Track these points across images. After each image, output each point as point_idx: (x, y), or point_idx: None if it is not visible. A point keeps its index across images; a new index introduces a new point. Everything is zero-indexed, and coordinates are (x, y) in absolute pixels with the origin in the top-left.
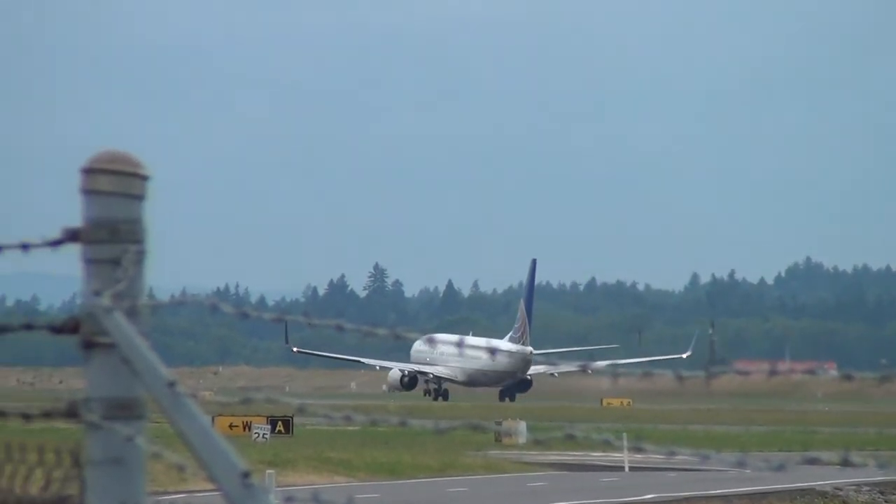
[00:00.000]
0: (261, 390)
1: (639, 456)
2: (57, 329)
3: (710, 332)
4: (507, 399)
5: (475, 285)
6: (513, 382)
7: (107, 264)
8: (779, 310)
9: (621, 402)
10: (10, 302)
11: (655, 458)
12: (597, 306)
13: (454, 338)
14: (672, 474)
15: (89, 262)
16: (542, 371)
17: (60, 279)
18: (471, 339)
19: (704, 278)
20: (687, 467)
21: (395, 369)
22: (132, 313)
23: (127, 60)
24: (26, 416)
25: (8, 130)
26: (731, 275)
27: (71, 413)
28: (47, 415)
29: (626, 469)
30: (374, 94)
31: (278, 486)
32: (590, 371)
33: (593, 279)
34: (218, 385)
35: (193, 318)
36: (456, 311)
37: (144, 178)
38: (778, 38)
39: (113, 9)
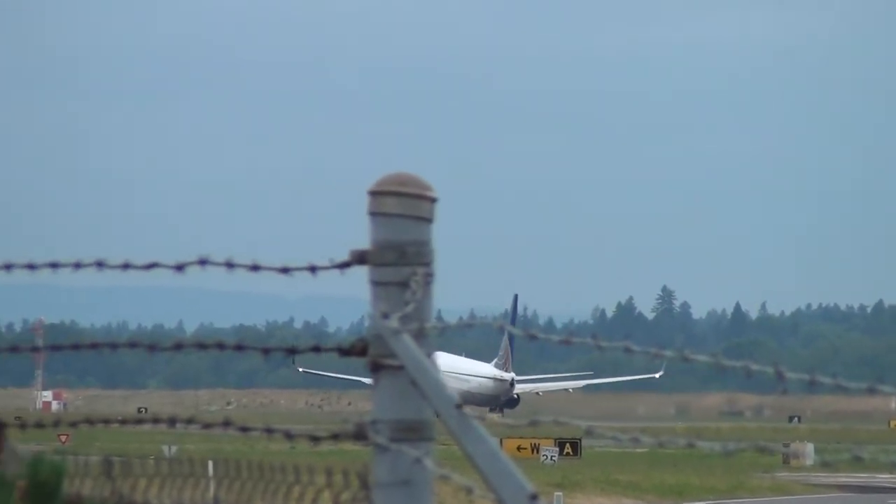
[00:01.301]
0: (549, 413)
1: None
2: (345, 351)
3: None
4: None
5: (763, 307)
6: (498, 403)
7: (394, 287)
8: None
9: None
10: (298, 324)
11: None
12: (885, 328)
13: (447, 361)
14: None
15: (377, 284)
16: (527, 390)
17: (348, 301)
18: (460, 363)
19: None
20: None
21: None
22: (420, 335)
23: (414, 86)
24: (314, 439)
25: (297, 155)
26: None
27: (359, 435)
28: (335, 437)
29: None
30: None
31: None
32: (569, 390)
33: (880, 301)
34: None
35: (481, 341)
36: (743, 333)
37: (432, 200)
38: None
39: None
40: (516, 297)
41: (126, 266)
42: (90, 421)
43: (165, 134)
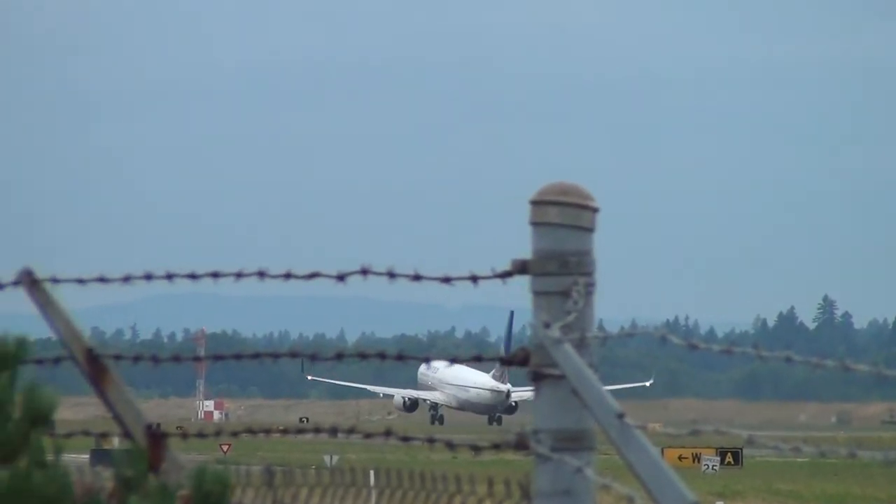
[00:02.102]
0: (710, 422)
1: None
2: (507, 361)
3: None
4: (494, 423)
5: None
6: (495, 412)
7: (556, 296)
8: None
9: None
10: (459, 333)
11: None
12: None
13: (448, 370)
14: None
15: (538, 293)
16: (525, 397)
17: (506, 311)
18: (463, 373)
19: None
20: None
21: (398, 396)
22: (581, 345)
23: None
24: (476, 448)
25: (456, 165)
26: None
27: (520, 445)
28: (497, 446)
29: None
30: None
31: None
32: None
33: None
34: (666, 417)
35: (642, 350)
36: None
37: (594, 210)
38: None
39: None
40: (512, 314)
41: (288, 276)
42: (251, 431)
43: (341, 146)
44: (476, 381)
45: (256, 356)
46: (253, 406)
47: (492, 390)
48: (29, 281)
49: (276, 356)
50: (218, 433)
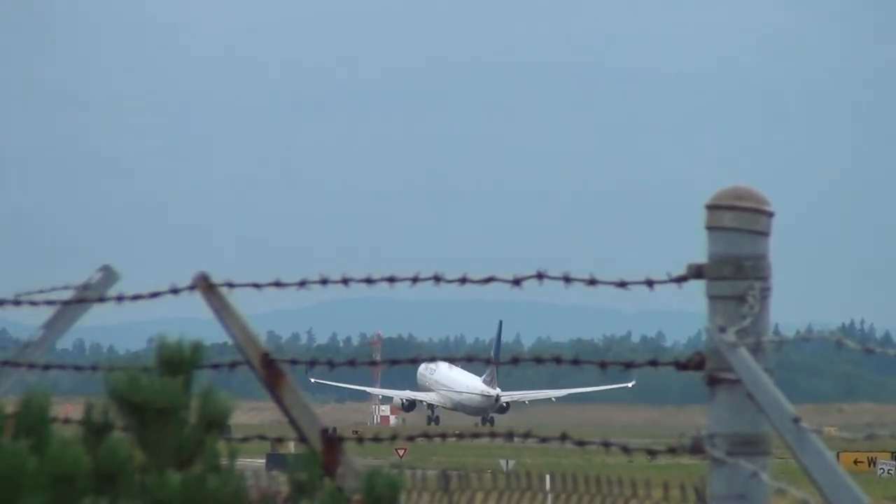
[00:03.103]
0: (886, 426)
1: None
2: (682, 365)
3: None
4: (486, 424)
5: None
6: (486, 414)
7: (731, 301)
8: None
9: None
10: (635, 338)
11: None
12: None
13: (444, 372)
14: None
15: (714, 298)
16: (516, 398)
17: (685, 315)
18: (457, 376)
19: None
20: None
21: (397, 397)
22: (757, 349)
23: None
24: (651, 452)
25: (635, 168)
26: None
27: (696, 449)
28: (672, 451)
29: None
30: None
31: None
32: (553, 399)
33: None
34: (842, 422)
35: (818, 355)
36: None
37: (769, 214)
38: None
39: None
40: (501, 323)
41: (464, 280)
42: (427, 435)
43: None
44: (468, 384)
45: (432, 360)
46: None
47: (482, 394)
48: (205, 286)
49: (451, 360)
50: (394, 437)
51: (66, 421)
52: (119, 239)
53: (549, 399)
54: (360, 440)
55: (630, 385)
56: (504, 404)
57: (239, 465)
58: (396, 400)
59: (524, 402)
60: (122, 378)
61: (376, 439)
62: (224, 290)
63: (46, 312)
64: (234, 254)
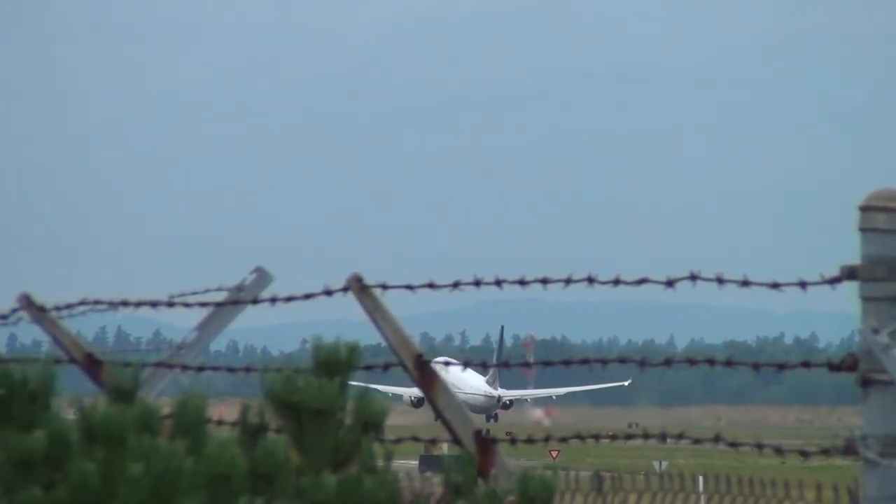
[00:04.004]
0: None
1: None
2: (835, 367)
3: None
4: (490, 420)
5: None
6: (490, 413)
7: (885, 302)
8: None
9: None
10: (788, 339)
11: None
12: None
13: (455, 372)
14: None
15: (867, 299)
16: (518, 396)
17: (838, 317)
18: (466, 377)
19: None
20: None
21: (406, 395)
22: None
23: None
24: (804, 454)
25: (793, 169)
26: None
27: (849, 450)
28: (825, 452)
29: None
30: None
31: None
32: (553, 398)
33: None
34: None
35: None
36: None
37: None
38: None
39: None
40: (503, 328)
41: (617, 282)
42: (580, 437)
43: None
44: (472, 384)
45: (585, 362)
46: (581, 415)
47: (484, 395)
48: (358, 287)
49: (604, 362)
50: (547, 438)
51: (220, 422)
52: (271, 240)
53: (550, 398)
54: (512, 441)
55: (626, 384)
56: (507, 402)
57: (393, 467)
58: (406, 397)
59: (525, 399)
60: (279, 379)
61: (529, 441)
62: (377, 292)
63: (200, 314)
64: (381, 255)
